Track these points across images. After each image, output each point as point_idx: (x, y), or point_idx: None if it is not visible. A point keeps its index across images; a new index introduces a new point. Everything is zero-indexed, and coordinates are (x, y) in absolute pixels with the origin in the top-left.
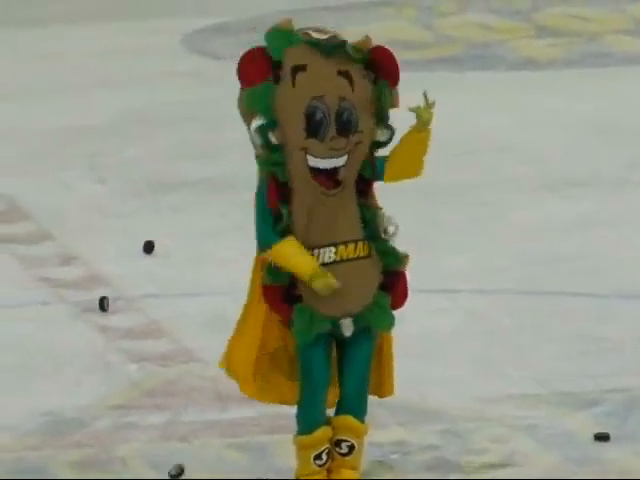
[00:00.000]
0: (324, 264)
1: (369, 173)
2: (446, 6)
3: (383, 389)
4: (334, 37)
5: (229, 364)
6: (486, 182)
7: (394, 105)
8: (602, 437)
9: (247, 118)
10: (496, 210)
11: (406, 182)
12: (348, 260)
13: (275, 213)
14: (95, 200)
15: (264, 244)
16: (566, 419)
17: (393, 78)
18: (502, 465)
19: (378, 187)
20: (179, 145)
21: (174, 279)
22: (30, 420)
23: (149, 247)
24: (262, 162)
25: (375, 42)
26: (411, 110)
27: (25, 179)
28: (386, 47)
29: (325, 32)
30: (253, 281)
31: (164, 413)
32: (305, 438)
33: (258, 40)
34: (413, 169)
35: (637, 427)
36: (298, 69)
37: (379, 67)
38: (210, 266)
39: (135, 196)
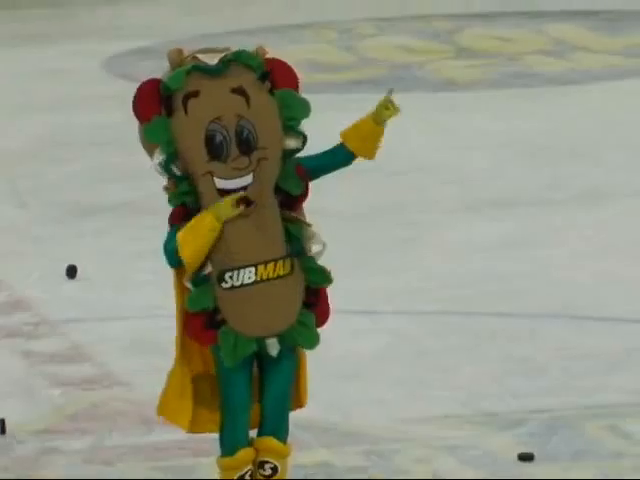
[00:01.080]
0: (244, 285)
1: (295, 188)
2: (365, 28)
3: (300, 401)
4: (225, 55)
5: (162, 407)
6: (410, 203)
7: (305, 112)
8: (526, 457)
9: (150, 151)
10: (420, 231)
11: (329, 202)
12: (269, 279)
13: None
14: (16, 224)
15: (172, 253)
16: (490, 439)
17: (293, 82)
18: None
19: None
20: (100, 168)
21: (96, 303)
22: None
23: (72, 271)
24: (171, 195)
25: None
26: (378, 105)
27: None
28: (280, 59)
29: (215, 50)
30: (177, 310)
31: (88, 437)
32: (227, 460)
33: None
34: (371, 152)
35: (560, 447)
36: (190, 96)
37: (277, 76)
38: (131, 289)
39: (56, 220)
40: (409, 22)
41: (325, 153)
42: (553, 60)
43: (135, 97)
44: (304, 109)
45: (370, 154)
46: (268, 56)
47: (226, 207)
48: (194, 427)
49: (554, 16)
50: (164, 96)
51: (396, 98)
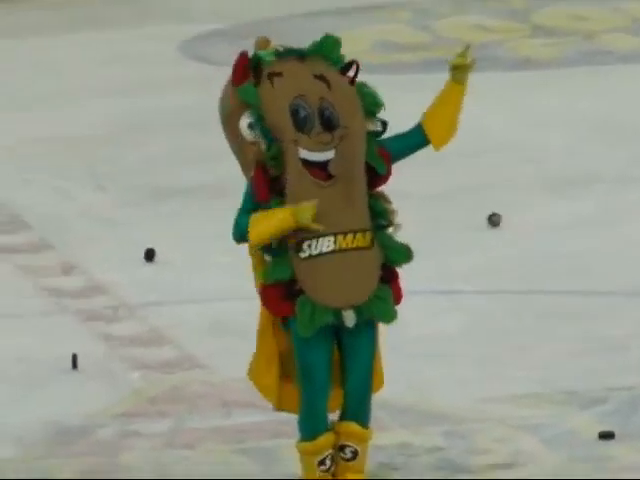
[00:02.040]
0: (322, 254)
1: (379, 167)
2: (442, 8)
3: (377, 383)
4: (308, 47)
5: (253, 374)
6: (489, 183)
7: (380, 104)
8: (607, 435)
9: (230, 120)
10: (499, 211)
11: (409, 183)
12: (348, 250)
13: (256, 208)
14: (95, 208)
15: (240, 232)
16: (570, 418)
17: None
18: (507, 465)
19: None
20: (177, 151)
21: (175, 286)
22: (35, 430)
23: (150, 255)
24: (261, 157)
25: (370, 44)
26: (449, 63)
27: (25, 189)
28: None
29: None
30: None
31: (168, 420)
32: (308, 445)
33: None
34: (455, 123)
35: None
36: (274, 75)
37: (356, 69)
38: (210, 272)
39: (135, 203)
40: (485, 1)
41: (406, 135)
42: (630, 37)
43: (237, 59)
44: (381, 99)
45: (443, 140)
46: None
47: (307, 212)
48: (281, 404)
49: None
50: (253, 67)
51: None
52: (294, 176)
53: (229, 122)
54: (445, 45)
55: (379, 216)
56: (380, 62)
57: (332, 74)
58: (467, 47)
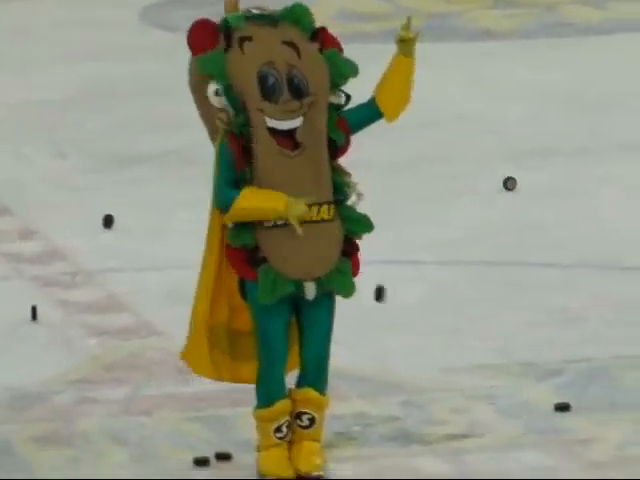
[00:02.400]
0: (286, 224)
1: (339, 138)
2: None
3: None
4: (273, 12)
5: (186, 348)
6: (448, 153)
7: (353, 71)
8: (563, 407)
9: (198, 86)
10: (457, 181)
11: (369, 153)
12: (313, 222)
13: (236, 177)
14: (55, 174)
15: (226, 204)
16: (527, 389)
17: (339, 47)
18: (463, 436)
19: (343, 158)
20: (138, 119)
21: (134, 253)
22: None
23: (109, 221)
24: (228, 124)
25: (331, 13)
26: (396, 37)
27: None
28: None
29: (265, 9)
30: (208, 249)
31: (125, 387)
32: (264, 411)
33: (217, 13)
34: (408, 95)
35: (597, 397)
36: (244, 39)
37: (324, 38)
38: (169, 240)
39: (95, 170)
40: None
41: (360, 107)
42: (590, 10)
43: (192, 29)
44: (352, 68)
45: (396, 112)
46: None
47: (300, 209)
48: (214, 373)
49: None
50: (222, 32)
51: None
52: (261, 145)
53: (197, 89)
54: (406, 15)
55: (339, 188)
56: (341, 31)
57: (302, 41)
58: (409, 20)
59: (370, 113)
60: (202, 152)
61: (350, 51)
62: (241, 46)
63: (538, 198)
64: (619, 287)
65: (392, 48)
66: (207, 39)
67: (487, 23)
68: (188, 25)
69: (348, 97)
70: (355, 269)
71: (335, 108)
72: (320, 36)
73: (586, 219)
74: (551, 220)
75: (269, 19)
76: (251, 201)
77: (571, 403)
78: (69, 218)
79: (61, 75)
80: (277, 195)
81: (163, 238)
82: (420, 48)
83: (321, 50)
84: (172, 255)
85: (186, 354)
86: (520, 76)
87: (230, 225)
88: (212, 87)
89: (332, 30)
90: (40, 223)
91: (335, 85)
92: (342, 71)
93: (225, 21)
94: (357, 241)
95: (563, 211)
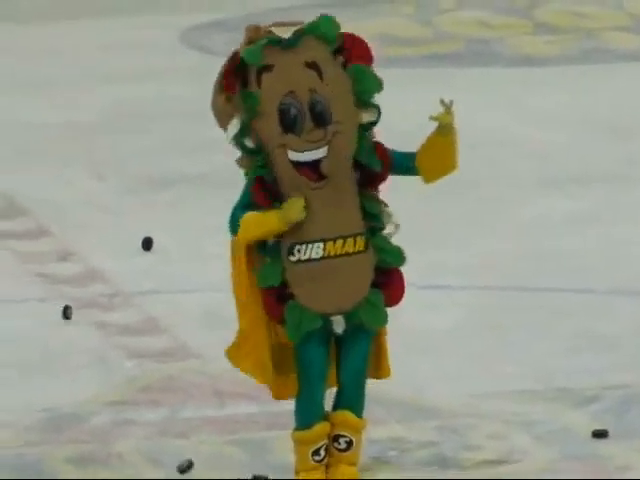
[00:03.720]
0: (311, 259)
1: (374, 163)
2: (444, 3)
3: (380, 372)
4: (299, 27)
5: (240, 361)
6: (486, 178)
7: (378, 86)
8: (600, 434)
9: (223, 124)
10: (495, 206)
11: (406, 178)
12: (339, 256)
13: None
14: (93, 196)
15: (235, 226)
16: (564, 415)
17: (367, 58)
18: (500, 462)
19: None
20: (176, 140)
21: (172, 275)
22: (28, 416)
23: (147, 243)
24: (247, 168)
25: (370, 37)
26: (432, 119)
27: (23, 175)
28: (354, 34)
29: (289, 24)
30: (237, 274)
31: (162, 409)
32: (303, 433)
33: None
34: (448, 166)
35: (635, 423)
36: (263, 70)
37: (350, 50)
38: (208, 262)
39: (133, 192)
40: None
41: (405, 155)
42: (631, 36)
43: (223, 68)
44: (376, 83)
45: (432, 176)
46: (343, 30)
47: (295, 210)
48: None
49: None
50: (240, 69)
51: (448, 101)
52: (286, 180)
53: (221, 121)
54: (446, 40)
55: (374, 218)
56: (381, 55)
57: (325, 59)
58: (450, 103)
59: (409, 166)
60: (236, 174)
61: (390, 75)
62: (259, 80)
63: (576, 224)
64: None
65: (431, 72)
66: (232, 83)
67: (528, 49)
68: (226, 48)
69: (379, 110)
70: (392, 298)
71: (367, 128)
72: (345, 49)
73: (624, 245)
74: (588, 246)
75: (289, 44)
76: (251, 221)
77: (609, 430)
78: (107, 240)
79: (99, 97)
80: (269, 216)
81: (201, 260)
82: (461, 73)
83: (345, 65)
84: (210, 277)
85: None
86: (560, 102)
87: (258, 266)
88: (231, 131)
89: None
90: (79, 245)
91: (362, 102)
92: (366, 87)
93: (242, 61)
94: (399, 270)
95: (601, 237)
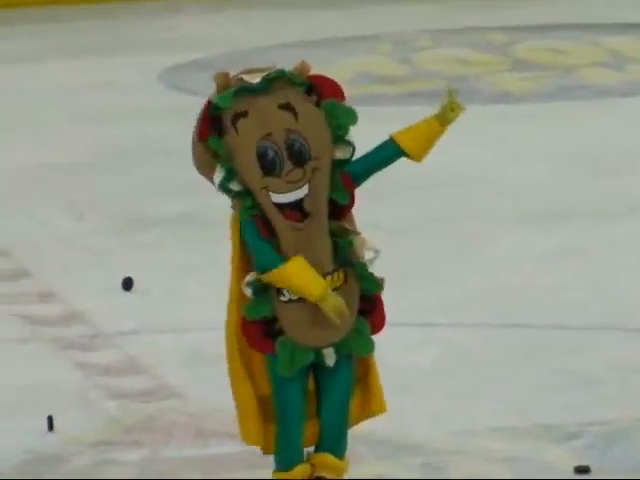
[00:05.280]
0: (301, 299)
1: (341, 198)
2: (422, 41)
3: (372, 408)
4: (269, 73)
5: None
6: (463, 214)
7: (353, 118)
8: (582, 470)
9: (206, 174)
10: (474, 242)
11: (382, 214)
12: None
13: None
14: (73, 237)
15: (268, 266)
16: (546, 452)
17: (340, 94)
18: None
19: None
20: (157, 181)
21: (153, 315)
22: (10, 458)
23: (128, 284)
24: (241, 210)
25: (349, 76)
26: (445, 101)
27: (2, 217)
28: (322, 74)
29: (259, 70)
30: (230, 325)
31: (144, 449)
32: (283, 475)
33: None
34: (429, 146)
35: (617, 459)
36: (238, 117)
37: (322, 88)
38: (188, 302)
39: (113, 232)
40: (464, 34)
41: (371, 152)
42: (608, 72)
43: (199, 117)
44: (350, 116)
45: (420, 154)
46: (312, 72)
47: (336, 303)
48: (269, 448)
49: (609, 28)
50: (214, 117)
51: (458, 97)
52: (274, 222)
53: (203, 171)
54: (425, 77)
55: (346, 250)
56: (360, 93)
57: (298, 100)
58: (451, 92)
59: (388, 154)
60: (217, 213)
61: (368, 113)
62: (235, 126)
63: (553, 260)
64: (635, 349)
65: (409, 110)
66: (205, 128)
67: (506, 85)
68: (205, 88)
69: (353, 148)
70: (377, 325)
71: (339, 164)
72: (316, 88)
73: (602, 281)
74: (566, 282)
75: (260, 89)
76: (295, 274)
77: (591, 466)
78: (87, 280)
79: (78, 137)
80: (319, 281)
81: (181, 300)
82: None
83: (318, 103)
84: (190, 317)
85: (244, 435)
86: (537, 138)
87: (249, 295)
88: (217, 177)
89: (351, 92)
90: (59, 285)
91: (338, 137)
92: (341, 122)
93: (214, 107)
94: (380, 296)
95: (578, 273)
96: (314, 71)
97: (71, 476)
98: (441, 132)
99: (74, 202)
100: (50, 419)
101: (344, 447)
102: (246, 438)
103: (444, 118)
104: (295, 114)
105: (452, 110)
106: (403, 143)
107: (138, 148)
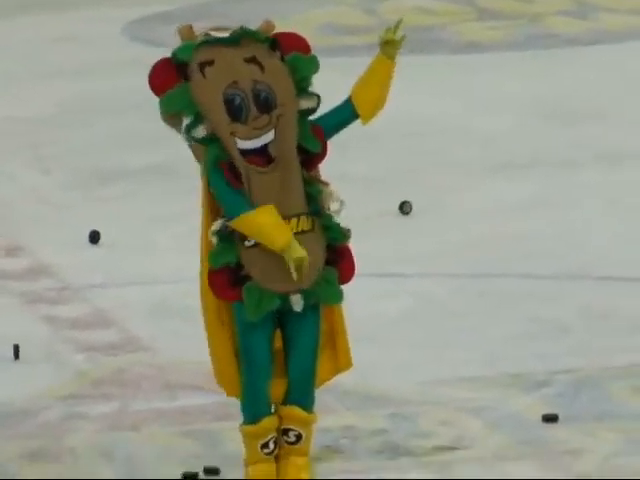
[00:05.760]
0: None
1: (313, 146)
2: None
3: (340, 363)
4: (234, 30)
5: (218, 379)
6: (432, 165)
7: (314, 68)
8: (550, 418)
9: (174, 123)
10: (443, 193)
11: (351, 167)
12: (294, 234)
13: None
14: (40, 191)
15: (236, 212)
16: (514, 400)
17: (304, 48)
18: (451, 448)
19: (323, 170)
20: (123, 134)
21: (120, 268)
22: None
23: (95, 237)
24: (201, 158)
25: (315, 26)
26: (380, 38)
27: None
28: (286, 31)
29: (225, 29)
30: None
31: (113, 402)
32: (251, 428)
33: (201, 28)
34: (383, 98)
35: (585, 407)
36: (205, 64)
37: (285, 44)
38: (156, 254)
39: (80, 186)
40: None
41: (335, 109)
42: (575, 21)
43: (150, 74)
44: (311, 65)
45: (373, 110)
46: (277, 30)
47: (299, 255)
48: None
49: None
50: (178, 65)
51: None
52: (239, 167)
53: (170, 123)
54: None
55: (316, 199)
56: (325, 45)
57: (264, 55)
58: (398, 22)
59: (346, 115)
60: (185, 166)
61: (334, 64)
62: (202, 72)
63: (523, 210)
64: (604, 297)
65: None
66: (168, 78)
67: (472, 35)
68: (171, 40)
69: (318, 98)
70: (346, 275)
71: (307, 114)
72: (278, 44)
73: (571, 230)
74: (535, 231)
75: (229, 40)
76: (259, 223)
77: (559, 414)
78: (54, 234)
79: (43, 92)
80: (284, 232)
81: (148, 253)
82: (404, 61)
83: (283, 58)
84: (158, 269)
85: (222, 386)
86: (504, 88)
87: (214, 242)
88: (184, 123)
89: (316, 43)
90: (26, 240)
91: (301, 89)
92: (303, 72)
93: (175, 57)
94: (348, 247)
95: (547, 222)
96: (280, 23)
97: (41, 430)
98: (391, 67)
99: (40, 156)
100: (16, 348)
101: (312, 399)
102: (224, 389)
103: (387, 45)
104: (262, 67)
105: (392, 32)
106: (358, 104)
107: (103, 101)
